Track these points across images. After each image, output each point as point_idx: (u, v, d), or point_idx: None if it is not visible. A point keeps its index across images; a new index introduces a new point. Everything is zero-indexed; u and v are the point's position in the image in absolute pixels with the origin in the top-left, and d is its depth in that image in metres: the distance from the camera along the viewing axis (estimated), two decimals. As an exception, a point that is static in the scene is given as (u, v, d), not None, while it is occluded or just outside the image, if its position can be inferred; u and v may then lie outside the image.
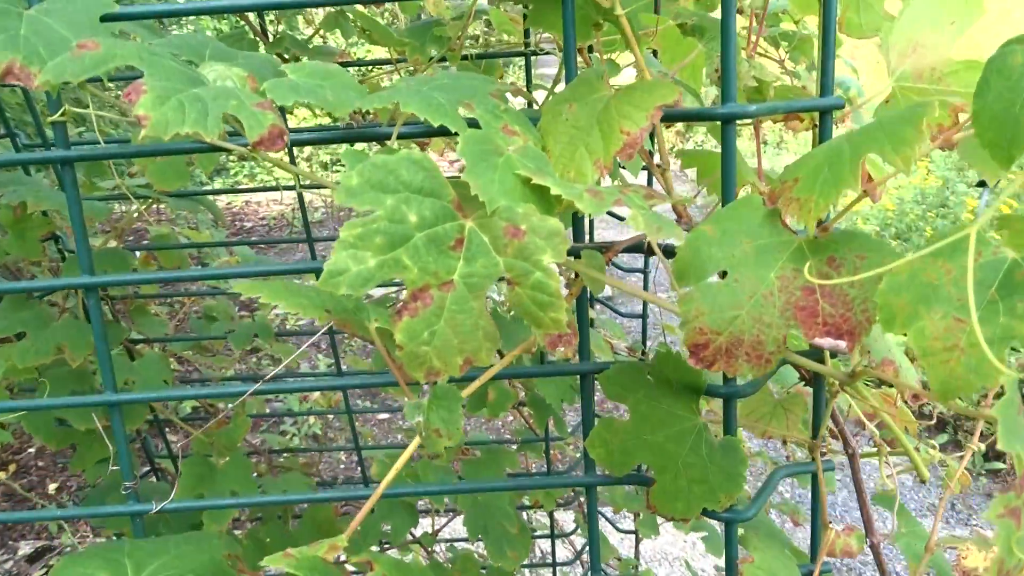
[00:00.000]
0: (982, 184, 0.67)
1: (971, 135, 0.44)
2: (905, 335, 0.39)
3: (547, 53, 1.24)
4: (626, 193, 0.48)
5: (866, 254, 0.44)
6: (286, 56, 1.21)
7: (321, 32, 1.23)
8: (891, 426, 0.51)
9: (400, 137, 0.62)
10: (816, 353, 0.55)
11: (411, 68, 1.25)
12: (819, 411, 0.66)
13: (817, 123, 0.65)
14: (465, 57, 1.23)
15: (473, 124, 0.53)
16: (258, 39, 1.21)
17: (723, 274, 0.48)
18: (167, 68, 0.48)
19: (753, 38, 0.61)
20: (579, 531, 1.76)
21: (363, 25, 1.16)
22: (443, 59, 1.19)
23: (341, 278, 0.39)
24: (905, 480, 2.92)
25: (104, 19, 0.58)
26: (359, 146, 0.66)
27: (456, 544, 1.74)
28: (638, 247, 0.61)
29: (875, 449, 0.74)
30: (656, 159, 0.57)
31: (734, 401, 0.61)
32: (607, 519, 1.73)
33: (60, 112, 0.63)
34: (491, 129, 0.52)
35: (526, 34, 1.25)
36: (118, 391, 0.69)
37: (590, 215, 0.41)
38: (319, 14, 1.26)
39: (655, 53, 0.76)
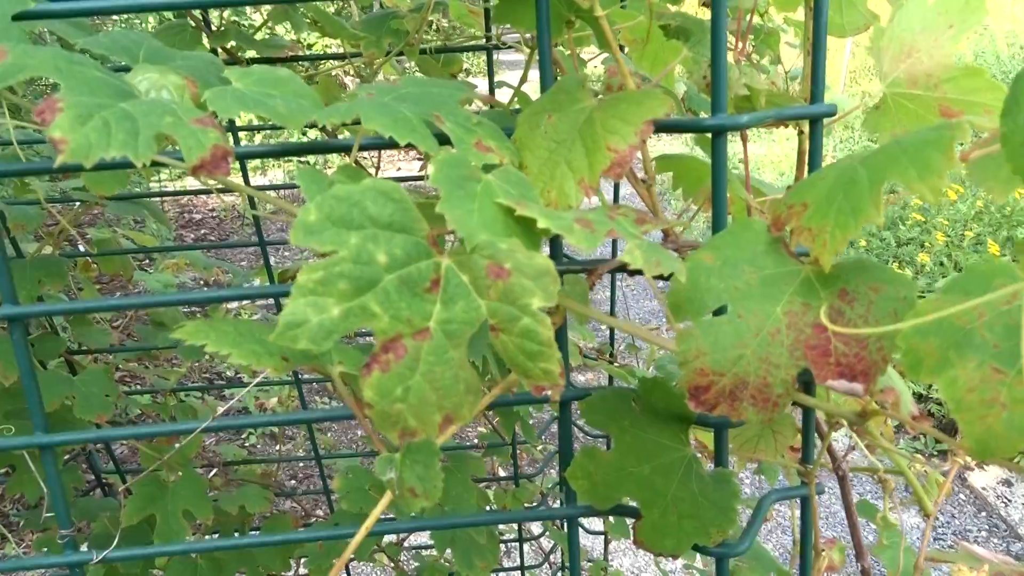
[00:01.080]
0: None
1: (986, 155, 0.41)
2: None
3: (509, 47, 1.19)
4: (615, 218, 0.44)
5: (881, 286, 0.40)
6: (230, 50, 1.14)
7: (270, 24, 1.16)
8: (900, 465, 0.48)
9: (362, 149, 0.56)
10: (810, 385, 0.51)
11: (365, 62, 1.18)
12: (809, 433, 0.63)
13: (803, 129, 0.61)
14: (424, 51, 1.17)
15: (444, 139, 0.48)
16: (201, 31, 1.13)
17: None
18: (89, 80, 0.41)
19: (737, 42, 0.57)
20: (547, 534, 1.73)
21: (314, 17, 1.09)
22: (400, 53, 1.12)
23: (300, 331, 0.34)
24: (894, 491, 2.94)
25: (18, 18, 0.51)
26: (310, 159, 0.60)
27: (422, 552, 1.69)
28: (623, 266, 0.57)
29: (864, 465, 0.72)
30: (640, 173, 0.53)
31: (726, 431, 0.57)
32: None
33: (-29, 123, 0.56)
34: (465, 146, 0.47)
35: (487, 27, 1.19)
36: (48, 419, 0.62)
37: (584, 249, 0.37)
38: (268, 6, 1.19)
39: (621, 48, 0.72)
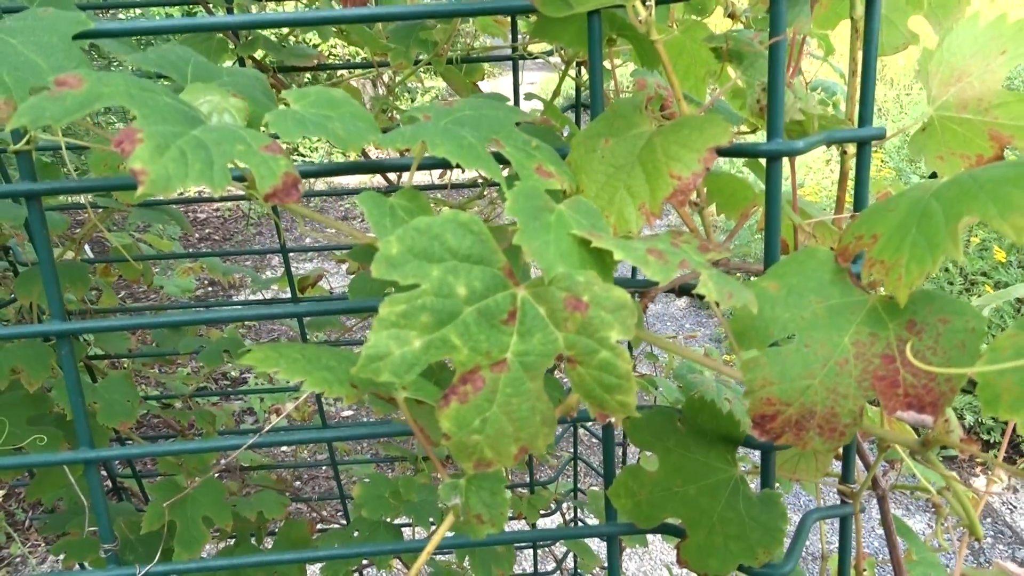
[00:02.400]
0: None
1: None
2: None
3: (535, 58, 1.19)
4: (680, 246, 0.44)
5: (949, 317, 0.40)
6: (257, 59, 1.14)
7: (296, 32, 1.16)
8: (957, 493, 0.48)
9: (406, 169, 0.56)
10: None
11: (392, 71, 1.18)
12: (850, 454, 0.63)
13: (847, 150, 0.62)
14: (450, 61, 1.17)
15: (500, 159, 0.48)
16: (228, 39, 1.13)
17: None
18: (161, 107, 0.41)
19: (789, 64, 0.57)
20: (561, 541, 1.73)
21: (341, 26, 1.09)
22: (427, 63, 1.13)
23: (382, 363, 0.34)
24: (909, 504, 2.96)
25: (79, 37, 0.51)
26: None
27: (436, 558, 1.69)
28: (673, 287, 0.57)
29: (903, 482, 0.72)
30: (692, 194, 0.53)
31: (773, 453, 0.57)
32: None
33: (25, 140, 0.56)
34: (526, 171, 0.47)
35: (513, 37, 1.19)
36: (67, 426, 0.62)
37: (656, 281, 0.37)
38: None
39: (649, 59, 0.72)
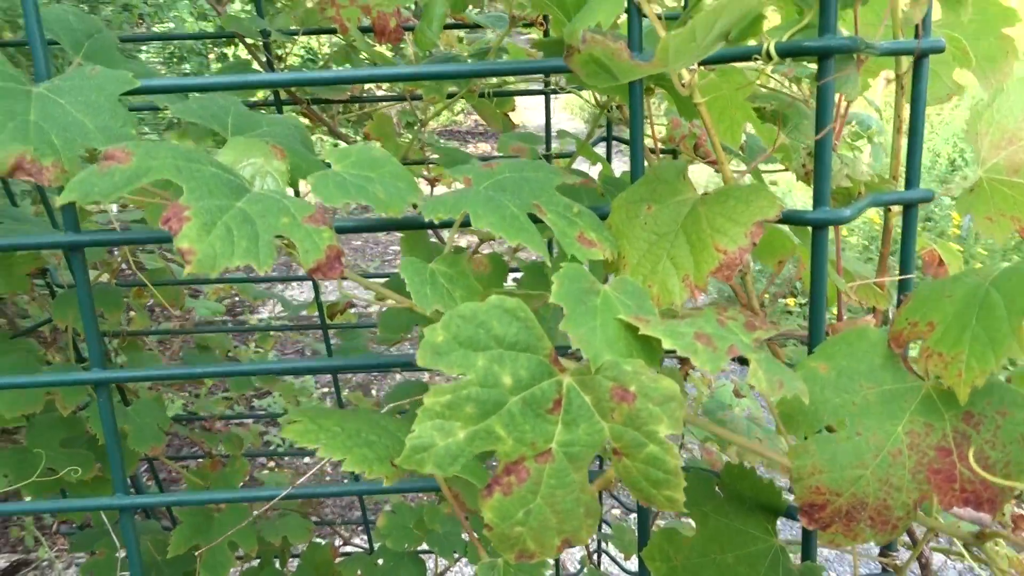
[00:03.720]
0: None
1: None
2: None
3: (567, 92, 1.19)
4: (726, 323, 0.43)
5: (1009, 410, 0.39)
6: (292, 92, 1.15)
7: (331, 65, 1.17)
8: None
9: (440, 227, 0.56)
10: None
11: (424, 104, 1.19)
12: (894, 519, 0.61)
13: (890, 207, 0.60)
14: (482, 94, 1.17)
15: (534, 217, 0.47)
16: (265, 72, 1.14)
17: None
18: (207, 178, 0.41)
19: (835, 127, 0.56)
20: (584, 572, 1.71)
21: (374, 60, 1.10)
22: (460, 96, 1.13)
23: (426, 455, 0.33)
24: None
25: (130, 93, 0.52)
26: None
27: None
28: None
29: (945, 544, 0.70)
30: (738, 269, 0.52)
31: (816, 524, 0.56)
32: (613, 559, 1.68)
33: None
34: (568, 239, 0.46)
35: (545, 73, 1.19)
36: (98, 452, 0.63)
37: (708, 372, 0.36)
38: (328, 47, 1.20)
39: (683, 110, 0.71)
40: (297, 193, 1.08)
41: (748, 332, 0.42)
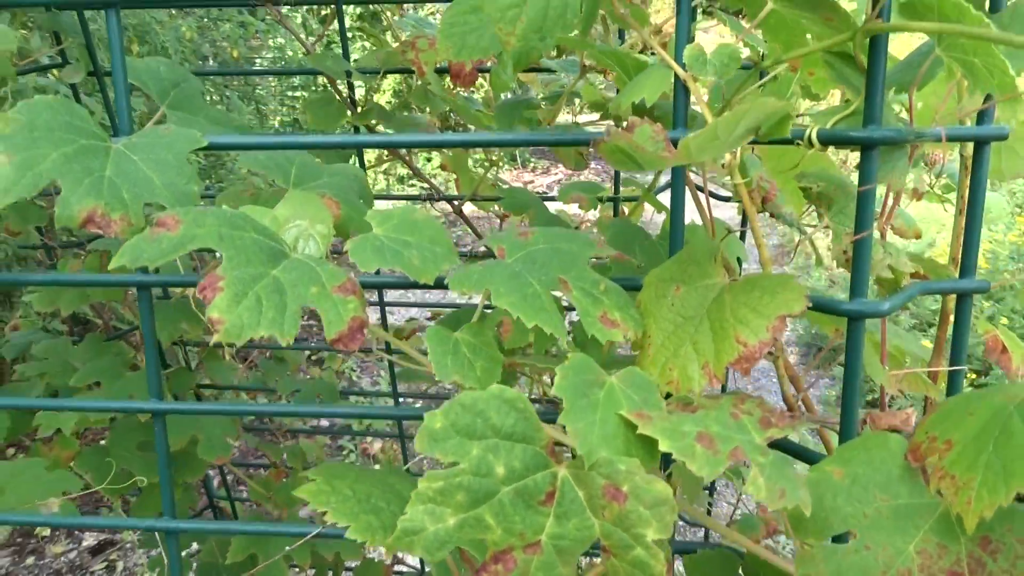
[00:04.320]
0: None
1: None
2: None
3: (614, 117, 1.19)
4: (740, 418, 0.42)
5: (1031, 541, 0.37)
6: (371, 126, 1.19)
7: (411, 104, 1.21)
8: None
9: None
10: None
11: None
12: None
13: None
14: (553, 136, 1.18)
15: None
16: (346, 106, 1.19)
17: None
18: (247, 246, 0.44)
19: (882, 216, 0.54)
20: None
21: (451, 107, 1.13)
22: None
23: (416, 538, 0.35)
24: None
25: (202, 149, 0.56)
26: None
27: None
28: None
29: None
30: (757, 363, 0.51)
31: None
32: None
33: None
34: (590, 319, 0.47)
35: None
36: (173, 458, 0.67)
37: (703, 477, 0.36)
38: (407, 86, 1.24)
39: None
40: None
41: (762, 430, 0.42)
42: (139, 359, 1.57)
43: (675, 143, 0.50)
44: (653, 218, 1.12)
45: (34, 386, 1.33)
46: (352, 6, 1.05)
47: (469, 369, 0.47)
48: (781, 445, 0.48)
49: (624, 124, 0.47)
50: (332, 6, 1.12)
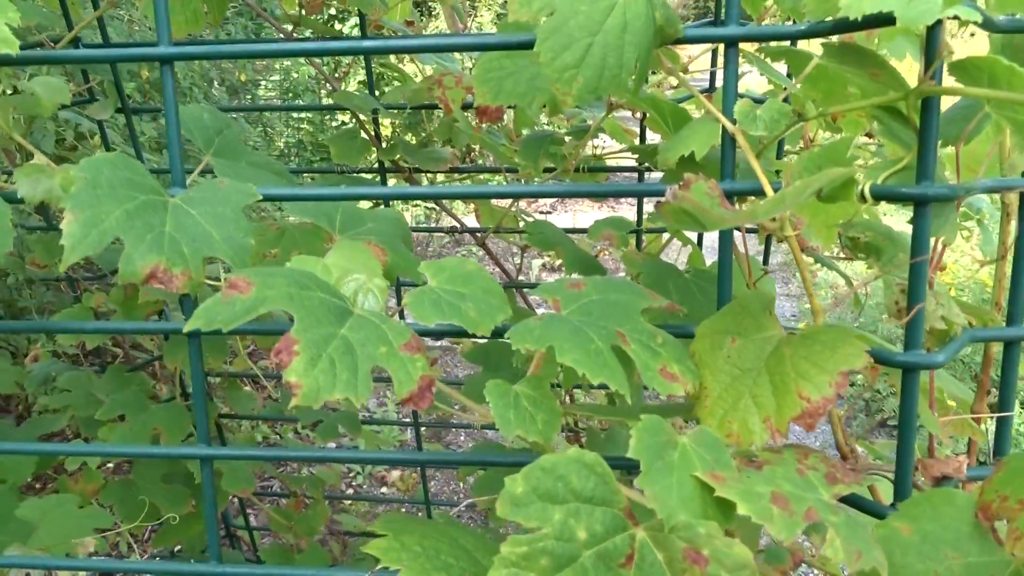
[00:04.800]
0: None
1: None
2: None
3: (661, 170, 1.20)
4: (806, 474, 0.43)
5: (1106, 601, 0.37)
6: (396, 161, 1.21)
7: (435, 139, 1.22)
8: None
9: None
10: None
11: (519, 178, 1.22)
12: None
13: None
14: (577, 169, 1.20)
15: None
16: (371, 142, 1.21)
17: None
18: (315, 306, 0.45)
19: (931, 266, 0.55)
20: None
21: (474, 142, 1.15)
22: (554, 169, 1.16)
23: (501, 604, 0.35)
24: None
25: (265, 199, 0.57)
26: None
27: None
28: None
29: None
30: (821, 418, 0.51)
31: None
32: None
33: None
34: (650, 373, 0.47)
35: (642, 138, 1.21)
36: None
37: (780, 539, 0.36)
38: (433, 121, 1.25)
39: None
40: (399, 291, 1.12)
41: (829, 486, 0.42)
42: (159, 389, 1.57)
43: (728, 196, 0.51)
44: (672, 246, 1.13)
45: (59, 418, 1.33)
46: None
47: (531, 423, 0.47)
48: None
49: (682, 181, 0.48)
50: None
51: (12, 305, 2.86)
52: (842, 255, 0.91)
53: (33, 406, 3.18)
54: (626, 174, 1.19)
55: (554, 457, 0.37)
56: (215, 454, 0.64)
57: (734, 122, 0.53)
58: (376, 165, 1.21)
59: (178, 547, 1.80)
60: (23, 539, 0.95)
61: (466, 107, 1.14)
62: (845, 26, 0.49)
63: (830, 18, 0.51)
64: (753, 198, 0.58)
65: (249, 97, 5.25)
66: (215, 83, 4.91)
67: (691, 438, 0.42)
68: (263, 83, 5.73)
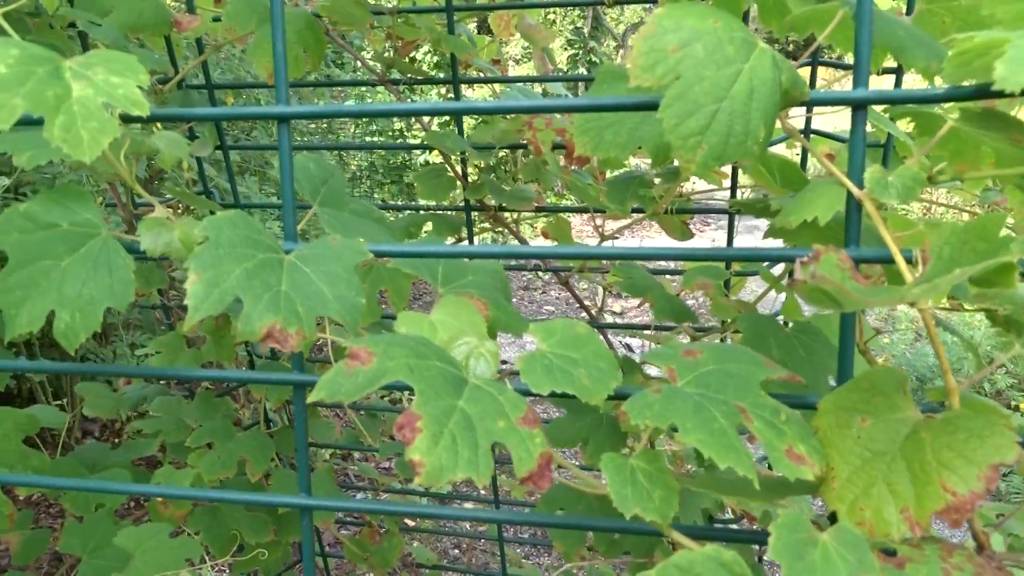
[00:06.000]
0: None
1: None
2: None
3: (777, 230, 1.17)
4: (951, 574, 0.40)
5: None
6: (482, 200, 1.21)
7: (522, 178, 1.23)
8: None
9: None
10: None
11: (607, 218, 1.21)
12: None
13: None
14: (665, 210, 1.18)
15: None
16: (457, 180, 1.22)
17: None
18: (433, 376, 0.45)
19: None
20: None
21: (564, 182, 1.14)
22: (643, 210, 1.14)
23: None
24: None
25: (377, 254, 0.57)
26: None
27: None
28: None
29: None
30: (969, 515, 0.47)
31: None
32: None
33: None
34: (776, 454, 0.45)
35: (732, 192, 1.18)
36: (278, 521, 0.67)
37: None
38: (518, 159, 1.26)
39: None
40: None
41: (977, 588, 0.39)
42: (241, 413, 1.60)
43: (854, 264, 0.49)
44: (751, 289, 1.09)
45: (151, 443, 1.37)
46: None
47: (648, 500, 0.46)
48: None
49: (811, 252, 0.46)
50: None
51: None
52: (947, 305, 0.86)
53: (121, 427, 3.31)
54: (713, 214, 1.17)
55: (690, 555, 0.36)
56: (316, 505, 0.64)
57: (861, 187, 0.51)
58: (461, 202, 1.22)
59: (254, 570, 1.83)
60: (120, 567, 0.98)
61: (556, 147, 1.14)
62: (989, 93, 0.46)
63: (968, 82, 0.49)
64: (879, 267, 0.56)
65: (325, 124, 5.41)
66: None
67: (832, 536, 0.39)
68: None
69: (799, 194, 0.56)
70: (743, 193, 1.19)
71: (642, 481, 0.47)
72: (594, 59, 9.16)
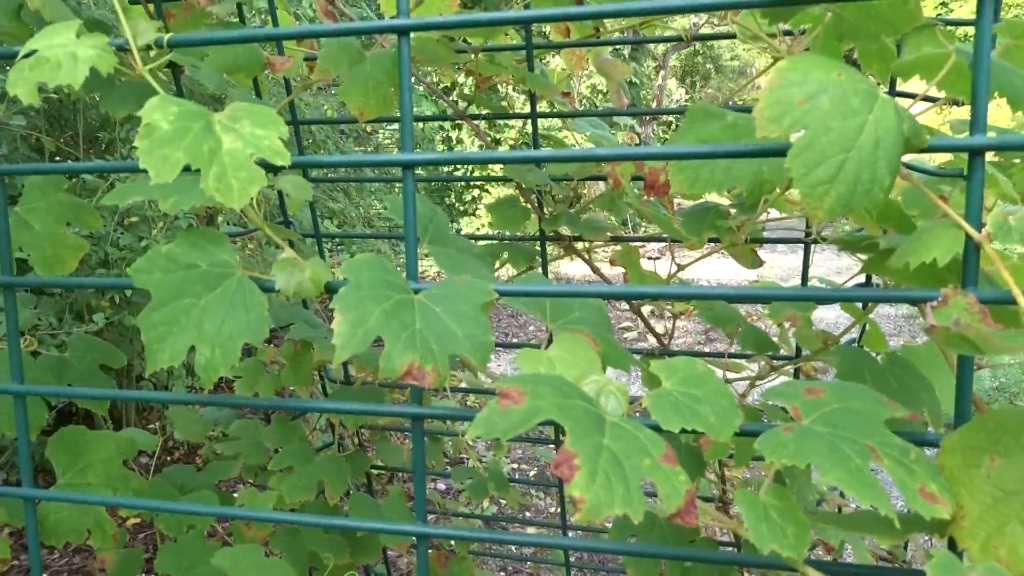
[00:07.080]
0: None
1: None
2: None
3: (828, 242, 1.18)
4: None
5: None
6: (557, 231, 1.24)
7: (595, 208, 1.25)
8: None
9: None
10: None
11: (685, 248, 1.23)
12: None
13: None
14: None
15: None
16: (532, 211, 1.25)
17: None
18: (579, 414, 0.47)
19: None
20: None
21: (638, 211, 1.17)
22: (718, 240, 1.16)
23: None
24: None
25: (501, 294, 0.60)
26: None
27: None
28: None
29: None
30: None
31: None
32: None
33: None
34: (909, 492, 0.47)
35: (808, 223, 1.19)
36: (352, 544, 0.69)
37: None
38: (594, 191, 1.28)
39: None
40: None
41: None
42: (312, 437, 1.64)
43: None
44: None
45: (233, 465, 1.42)
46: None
47: (782, 536, 0.47)
48: None
49: (941, 296, 0.47)
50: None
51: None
52: None
53: (194, 448, 3.38)
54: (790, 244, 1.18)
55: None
56: (434, 532, 0.67)
57: (979, 229, 0.53)
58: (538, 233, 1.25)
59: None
60: (216, 587, 1.02)
61: (635, 178, 1.16)
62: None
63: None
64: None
65: (372, 147, 5.52)
66: (344, 132, 5.20)
67: (982, 575, 0.41)
68: (381, 132, 6.03)
69: (915, 235, 0.58)
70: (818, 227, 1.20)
71: (775, 517, 0.48)
72: (634, 79, 9.20)
